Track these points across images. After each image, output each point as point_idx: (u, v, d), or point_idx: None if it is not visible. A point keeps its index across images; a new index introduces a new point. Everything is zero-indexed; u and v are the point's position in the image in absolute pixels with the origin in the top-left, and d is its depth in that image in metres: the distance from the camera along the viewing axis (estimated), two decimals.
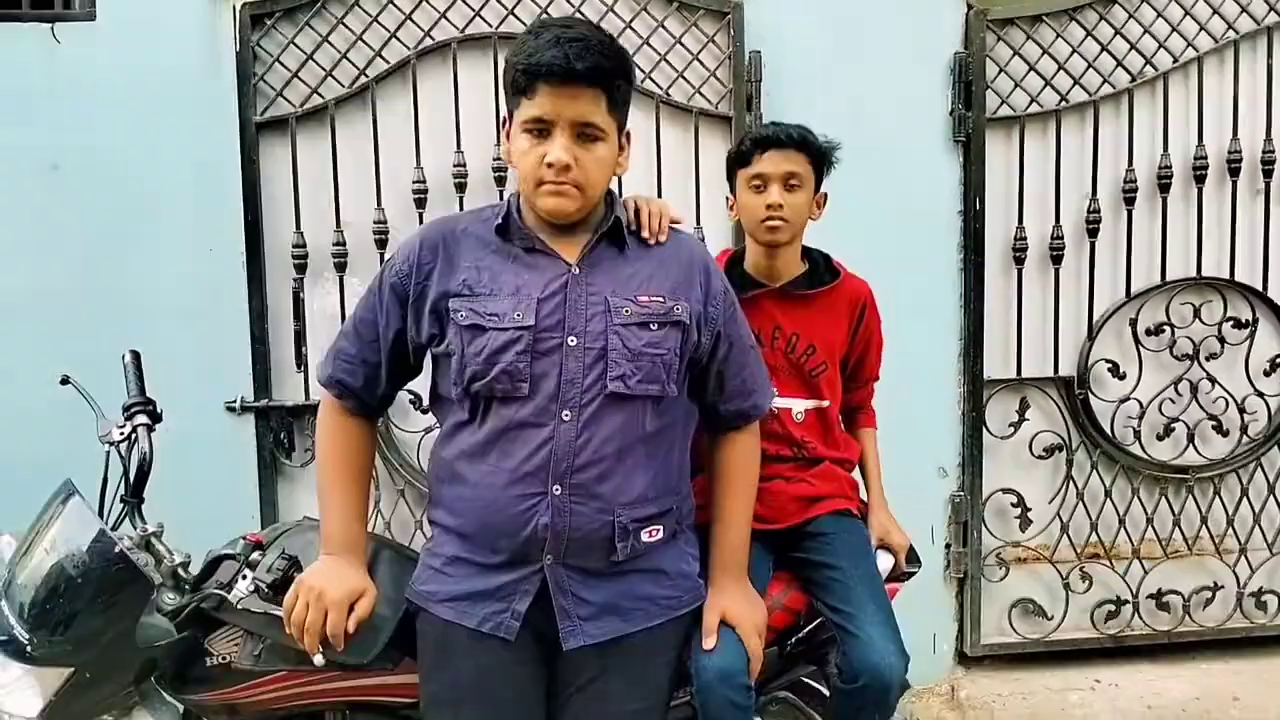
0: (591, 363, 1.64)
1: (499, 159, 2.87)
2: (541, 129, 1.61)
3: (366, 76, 2.88)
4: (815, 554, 2.00)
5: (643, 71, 2.93)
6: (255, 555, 1.77)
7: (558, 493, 1.63)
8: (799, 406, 2.08)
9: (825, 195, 2.10)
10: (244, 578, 1.72)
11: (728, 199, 2.14)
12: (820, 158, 2.05)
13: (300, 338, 2.90)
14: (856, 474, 2.19)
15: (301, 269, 2.89)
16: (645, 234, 1.75)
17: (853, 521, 2.08)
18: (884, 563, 2.08)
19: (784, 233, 2.03)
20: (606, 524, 1.66)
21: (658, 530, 1.73)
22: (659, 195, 2.92)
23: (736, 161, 2.07)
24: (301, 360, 2.91)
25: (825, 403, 2.10)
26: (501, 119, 1.72)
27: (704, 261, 1.79)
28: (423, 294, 1.69)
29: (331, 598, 1.67)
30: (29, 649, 1.68)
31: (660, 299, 1.69)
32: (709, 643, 1.77)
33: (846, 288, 2.12)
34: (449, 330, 1.66)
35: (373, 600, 1.72)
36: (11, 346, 2.78)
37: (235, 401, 2.89)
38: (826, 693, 2.06)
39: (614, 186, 1.78)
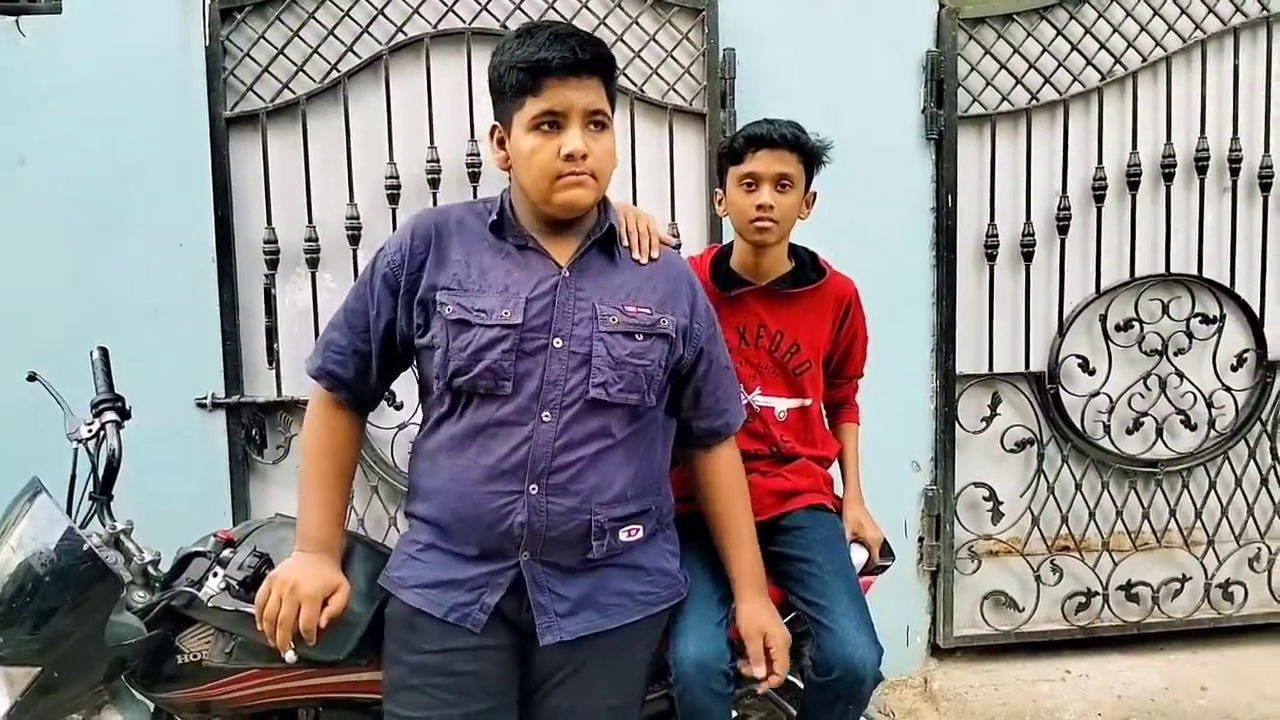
0: (575, 366, 1.64)
1: (473, 154, 2.86)
2: (553, 122, 1.61)
3: (338, 72, 2.86)
4: (789, 547, 2.01)
5: (617, 68, 2.92)
6: (226, 552, 1.76)
7: (534, 491, 1.63)
8: (782, 406, 2.08)
9: (815, 194, 2.10)
10: (215, 575, 1.70)
11: (716, 193, 2.13)
12: (812, 157, 2.04)
13: (271, 334, 2.88)
14: (835, 469, 2.21)
15: (273, 265, 2.87)
16: (635, 253, 1.76)
17: (827, 515, 2.09)
18: (858, 556, 2.10)
19: (773, 234, 2.02)
20: (583, 523, 1.66)
21: (637, 530, 1.73)
22: (634, 191, 2.92)
23: (728, 158, 2.06)
24: (273, 356, 2.89)
25: (808, 401, 2.11)
26: (488, 125, 1.70)
27: (690, 279, 1.81)
28: (414, 285, 1.68)
29: (304, 592, 1.66)
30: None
31: (648, 310, 1.70)
32: (760, 671, 1.80)
33: (832, 286, 2.12)
34: (434, 323, 1.66)
35: (346, 596, 1.71)
36: None
37: (206, 398, 2.87)
38: (801, 685, 2.07)
39: None
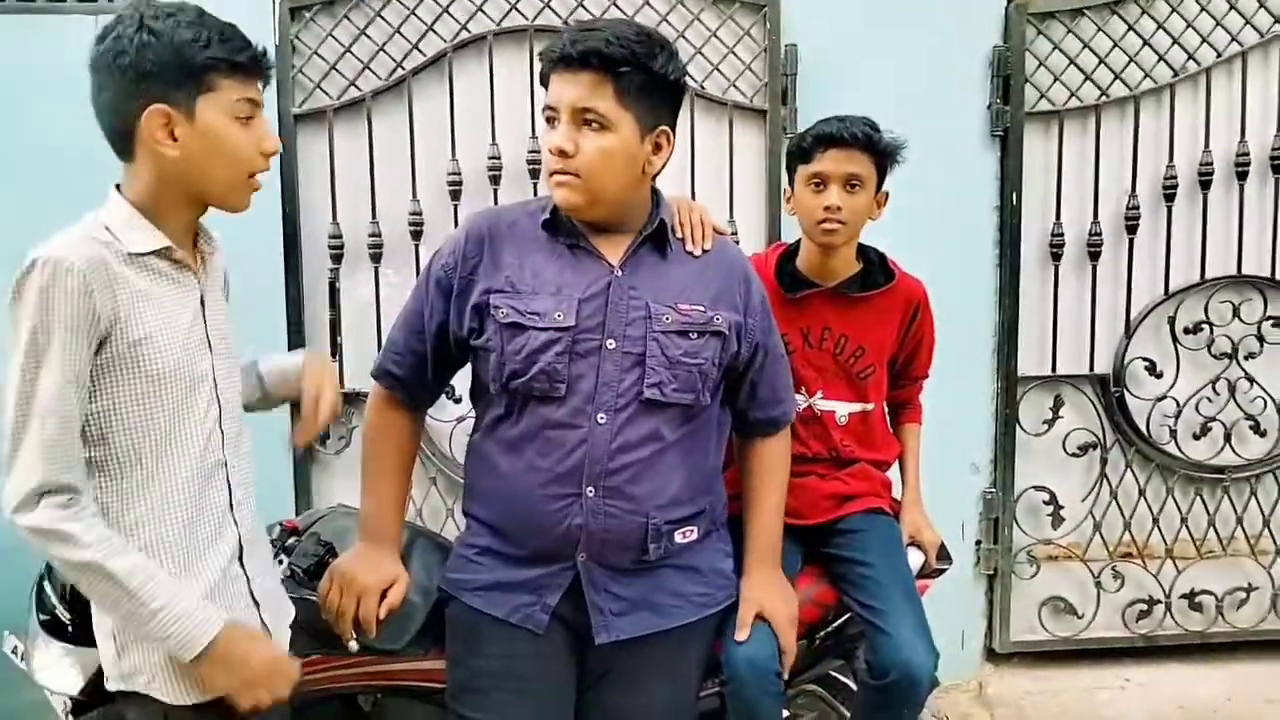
0: (629, 367, 1.64)
1: (534, 151, 2.88)
2: (551, 117, 1.62)
3: (403, 69, 2.90)
4: (846, 550, 2.00)
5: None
6: (291, 541, 1.81)
7: (591, 494, 1.64)
8: (843, 410, 2.07)
9: (887, 194, 2.05)
10: (280, 563, 1.75)
11: (785, 191, 2.11)
12: (884, 157, 1.99)
13: (335, 327, 2.93)
14: (895, 470, 2.18)
15: (338, 259, 2.92)
16: (689, 245, 1.74)
17: (885, 519, 2.08)
18: (914, 560, 2.09)
19: (840, 235, 1.98)
20: (640, 526, 1.66)
21: (692, 531, 1.74)
22: (692, 189, 2.92)
23: (798, 156, 2.02)
24: (336, 349, 2.94)
25: (870, 406, 2.08)
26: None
27: (745, 271, 1.79)
28: (467, 288, 1.69)
29: (364, 584, 1.70)
30: (69, 628, 1.73)
31: (701, 308, 1.68)
32: (742, 635, 1.78)
33: (901, 289, 2.08)
34: (489, 326, 1.66)
35: (405, 589, 1.75)
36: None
37: None
38: (854, 686, 2.06)
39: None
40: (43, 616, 1.76)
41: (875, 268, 2.09)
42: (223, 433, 1.51)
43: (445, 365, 1.79)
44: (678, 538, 1.71)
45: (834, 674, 2.12)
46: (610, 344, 1.63)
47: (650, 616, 1.71)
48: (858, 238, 2.05)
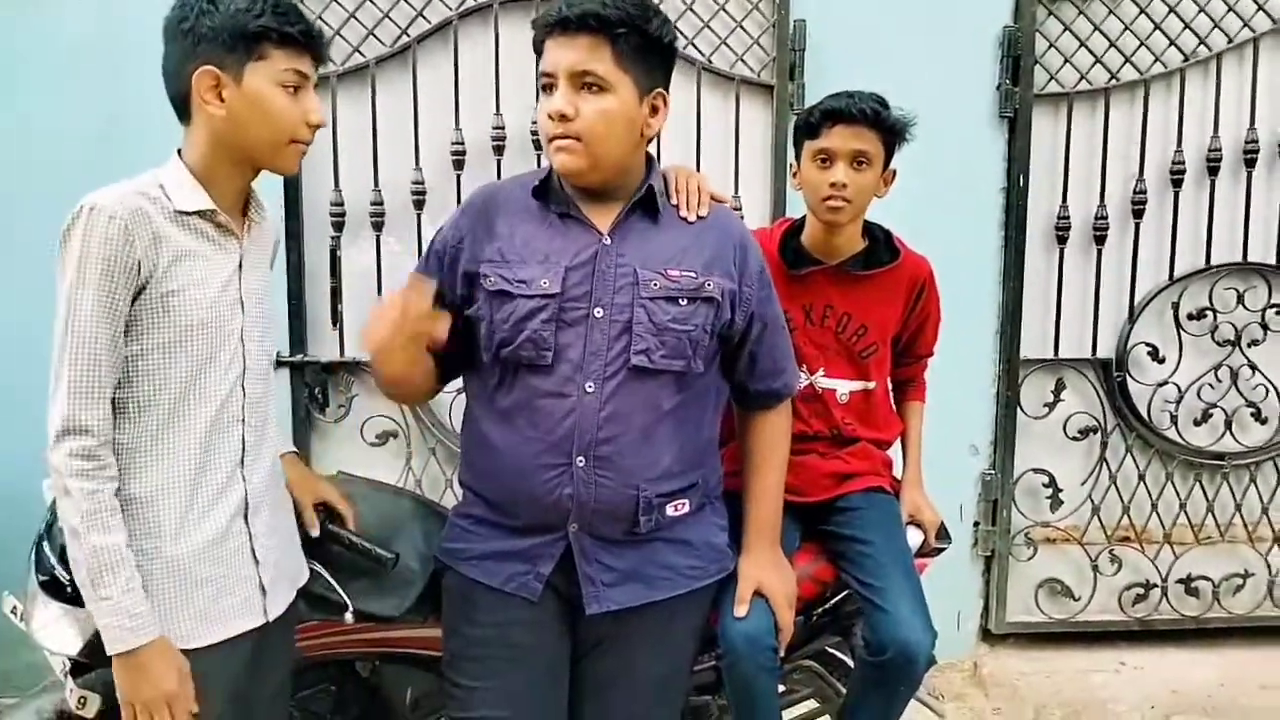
0: (616, 335, 1.63)
1: (537, 122, 2.86)
2: (548, 84, 1.61)
3: (408, 36, 2.88)
4: (845, 528, 2.00)
5: (685, 38, 2.91)
6: None
7: (581, 464, 1.63)
8: (844, 388, 2.05)
9: (894, 172, 2.02)
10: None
11: (791, 166, 2.08)
12: (892, 134, 1.96)
13: (336, 295, 2.92)
14: (896, 449, 2.18)
15: (339, 227, 2.91)
16: (683, 211, 1.72)
17: (884, 497, 2.08)
18: (913, 539, 2.08)
19: (846, 213, 1.96)
20: (630, 498, 1.66)
21: (684, 504, 1.73)
22: (698, 163, 2.90)
23: (805, 131, 1.98)
24: (337, 317, 2.93)
25: (872, 384, 2.07)
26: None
27: (741, 238, 1.76)
28: (456, 258, 1.70)
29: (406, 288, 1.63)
30: (69, 589, 1.72)
31: (692, 274, 1.66)
32: (740, 611, 1.78)
33: (905, 267, 2.06)
34: (478, 295, 1.67)
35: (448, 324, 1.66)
36: (53, 296, 2.81)
37: (274, 355, 2.92)
38: (851, 663, 2.07)
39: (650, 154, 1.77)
40: (41, 577, 1.75)
41: (880, 246, 2.07)
42: (244, 391, 1.57)
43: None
44: (669, 510, 1.70)
45: (831, 650, 2.11)
46: (598, 312, 1.63)
47: (640, 588, 1.71)
48: (863, 215, 2.03)
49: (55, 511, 1.80)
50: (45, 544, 1.79)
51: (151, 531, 1.49)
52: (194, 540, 1.51)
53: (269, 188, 2.80)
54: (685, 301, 1.65)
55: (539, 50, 1.63)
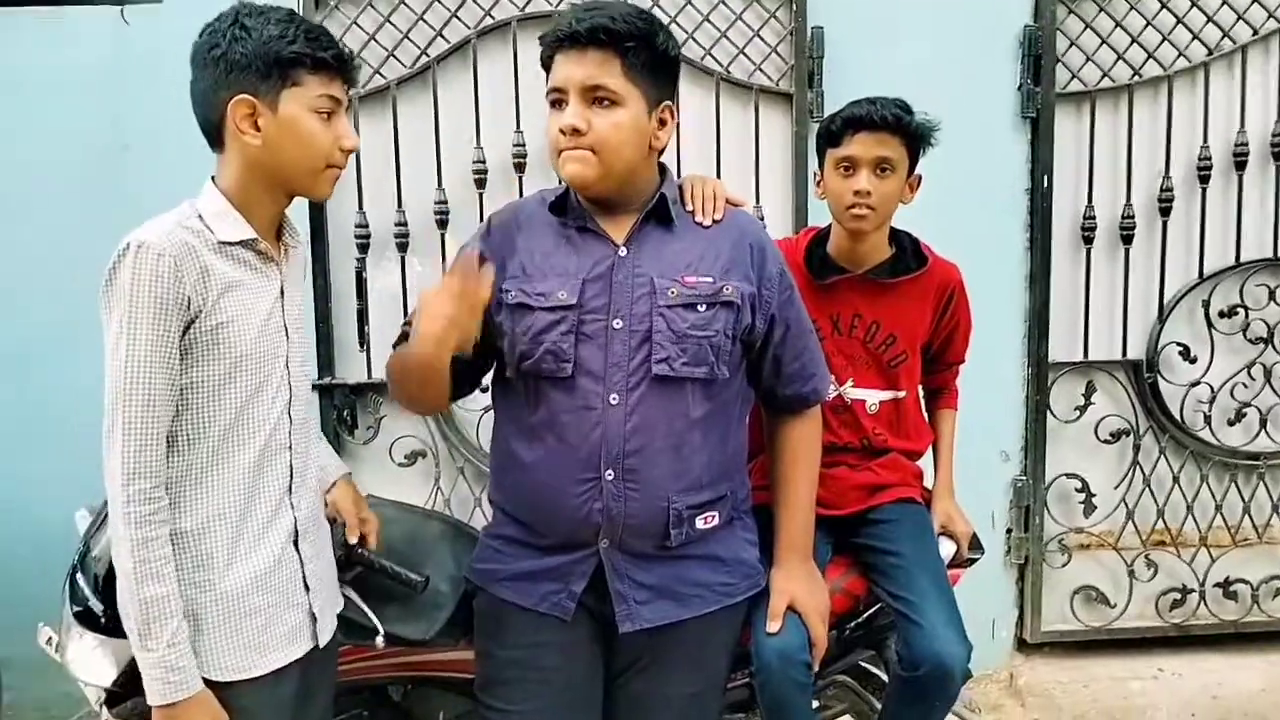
0: (636, 345, 1.63)
1: (547, 137, 2.86)
2: (558, 99, 1.63)
3: (428, 56, 2.89)
4: (877, 540, 1.98)
5: (703, 48, 2.91)
6: None
7: (610, 478, 1.63)
8: (873, 398, 2.04)
9: (919, 178, 2.01)
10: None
11: (815, 175, 2.07)
12: (916, 139, 1.94)
13: (363, 317, 2.93)
14: (927, 458, 2.16)
15: (364, 249, 2.92)
16: (699, 216, 1.73)
17: (916, 508, 2.06)
18: (946, 549, 2.06)
19: (870, 221, 1.94)
20: (661, 510, 1.66)
21: (713, 517, 1.73)
22: (718, 173, 2.89)
23: (826, 140, 1.98)
24: (364, 339, 2.94)
25: (902, 394, 2.06)
26: None
27: (759, 242, 1.76)
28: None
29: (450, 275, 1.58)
30: (103, 619, 1.73)
31: (709, 279, 1.66)
32: (774, 627, 1.77)
33: (934, 274, 2.04)
34: (500, 312, 1.67)
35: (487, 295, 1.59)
36: (81, 324, 2.83)
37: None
38: (884, 677, 2.05)
39: (669, 165, 1.77)
40: (75, 607, 1.77)
41: (907, 253, 2.05)
42: (291, 418, 1.58)
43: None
44: (699, 523, 1.70)
45: (865, 665, 2.10)
46: (617, 323, 1.63)
47: (672, 606, 1.71)
48: (889, 223, 2.02)
49: (88, 542, 1.82)
50: (79, 575, 1.81)
51: (203, 564, 1.49)
52: (245, 571, 1.51)
53: (295, 212, 2.84)
54: (704, 307, 1.65)
55: (547, 66, 1.66)
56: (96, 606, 1.75)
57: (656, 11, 2.79)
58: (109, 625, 1.73)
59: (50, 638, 1.85)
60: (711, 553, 1.75)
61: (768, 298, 1.73)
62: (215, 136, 1.52)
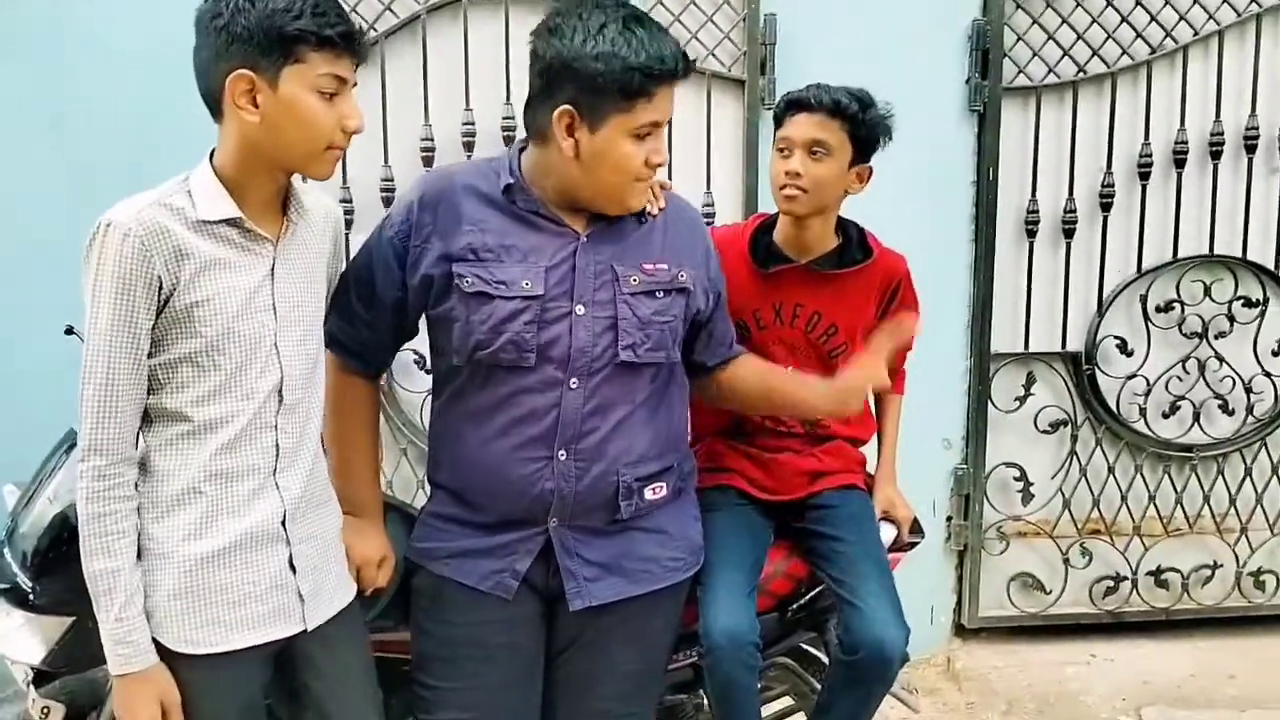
0: (600, 331, 1.63)
1: (508, 118, 2.84)
2: (651, 132, 1.60)
3: (375, 32, 2.84)
4: (819, 525, 1.99)
5: None
6: None
7: (563, 458, 1.63)
8: None
9: (870, 169, 1.97)
10: None
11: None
12: (856, 126, 1.90)
13: None
14: (871, 444, 2.17)
15: None
16: (650, 209, 1.72)
17: (858, 494, 2.07)
18: (886, 534, 2.08)
19: (801, 204, 1.91)
20: (611, 484, 1.66)
21: (661, 487, 1.73)
22: (669, 159, 2.88)
23: (775, 122, 1.98)
24: None
25: None
26: (561, 109, 1.57)
27: (697, 224, 1.82)
28: (420, 256, 1.64)
29: (362, 555, 1.71)
30: (32, 597, 1.69)
31: (665, 266, 1.69)
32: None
33: (879, 267, 2.01)
34: (452, 296, 1.62)
35: (393, 567, 1.76)
36: (16, 299, 2.76)
37: None
38: (826, 659, 2.06)
39: None
40: (3, 585, 1.72)
41: (853, 244, 2.03)
42: (281, 398, 1.52)
43: (399, 332, 1.75)
44: (648, 494, 1.71)
45: (806, 646, 2.11)
46: (580, 310, 1.63)
47: (621, 582, 1.71)
48: (826, 210, 1.98)
49: (16, 519, 1.77)
50: (7, 551, 1.76)
51: (172, 535, 1.46)
52: (212, 546, 1.47)
53: None
54: (662, 294, 1.67)
55: (639, 93, 1.55)
56: (25, 584, 1.70)
57: None
58: (37, 603, 1.69)
59: None
60: (659, 526, 1.75)
61: (712, 278, 1.78)
62: (215, 109, 1.47)
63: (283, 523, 1.53)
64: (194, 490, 1.47)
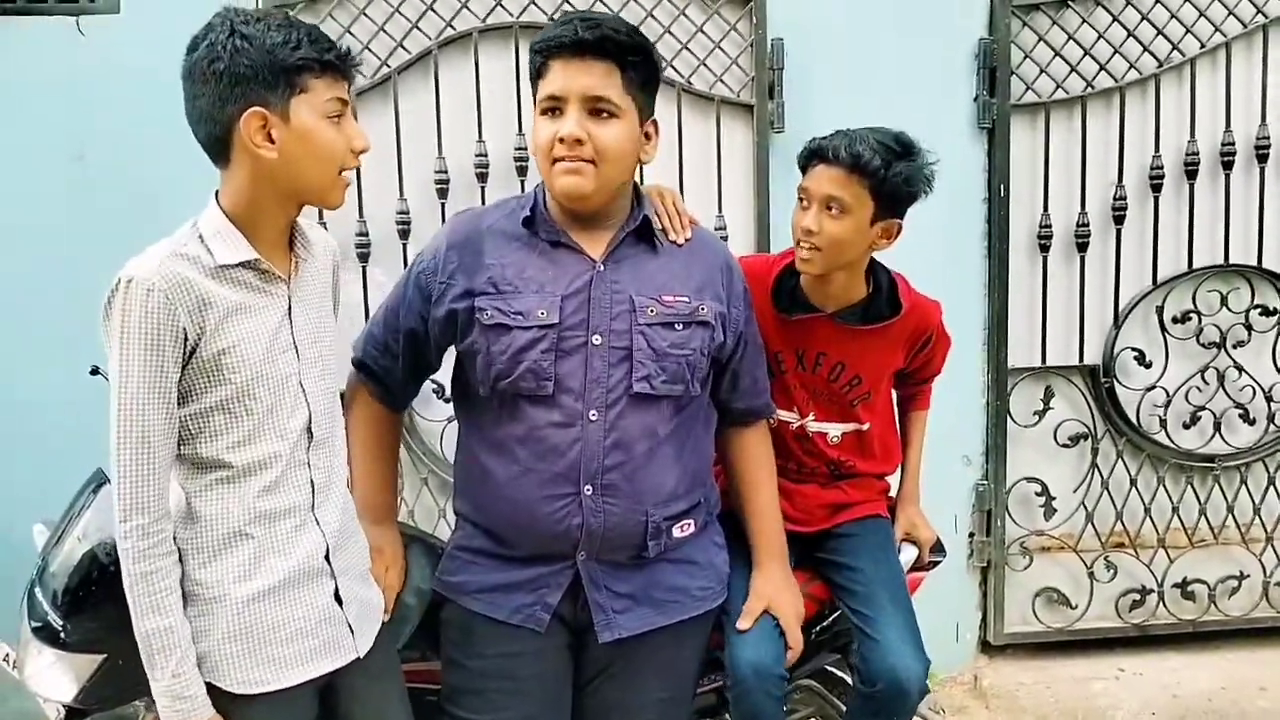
0: (616, 362, 1.63)
1: (521, 148, 2.87)
2: (555, 107, 1.60)
3: (389, 67, 2.88)
4: (837, 554, 1.98)
5: (664, 60, 2.92)
6: None
7: (589, 493, 1.63)
8: (834, 431, 1.98)
9: (898, 225, 1.83)
10: None
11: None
12: (883, 183, 1.74)
13: None
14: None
15: None
16: (672, 235, 1.74)
17: (878, 522, 2.06)
18: (907, 554, 2.08)
19: (815, 263, 1.80)
20: (640, 524, 1.67)
21: (689, 525, 1.74)
22: (681, 184, 2.91)
23: (799, 166, 1.86)
24: None
25: (865, 426, 1.99)
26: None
27: (727, 261, 1.79)
28: (444, 293, 1.68)
29: (391, 555, 1.77)
30: (62, 635, 1.71)
31: (685, 299, 1.68)
32: (745, 624, 1.78)
33: (909, 320, 1.91)
34: (474, 330, 1.65)
35: (401, 572, 1.77)
36: (42, 337, 2.80)
37: None
38: (850, 680, 2.06)
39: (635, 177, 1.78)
40: (34, 623, 1.74)
41: (882, 296, 1.92)
42: (311, 435, 1.54)
43: (420, 367, 1.80)
44: (676, 532, 1.71)
45: (830, 668, 2.11)
46: (596, 340, 1.63)
47: (651, 613, 1.71)
48: (844, 267, 1.85)
49: (46, 557, 1.79)
50: (38, 590, 1.78)
51: (223, 579, 1.47)
52: (263, 586, 1.48)
53: None
54: (681, 326, 1.66)
55: (539, 73, 1.63)
56: (56, 622, 1.72)
57: None
58: (68, 641, 1.70)
59: (7, 654, 1.82)
60: (687, 556, 1.76)
61: (736, 316, 1.75)
62: (221, 153, 1.46)
63: (326, 556, 1.55)
64: (241, 534, 1.47)
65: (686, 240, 1.74)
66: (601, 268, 1.65)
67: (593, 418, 1.62)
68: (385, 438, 1.84)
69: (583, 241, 1.67)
